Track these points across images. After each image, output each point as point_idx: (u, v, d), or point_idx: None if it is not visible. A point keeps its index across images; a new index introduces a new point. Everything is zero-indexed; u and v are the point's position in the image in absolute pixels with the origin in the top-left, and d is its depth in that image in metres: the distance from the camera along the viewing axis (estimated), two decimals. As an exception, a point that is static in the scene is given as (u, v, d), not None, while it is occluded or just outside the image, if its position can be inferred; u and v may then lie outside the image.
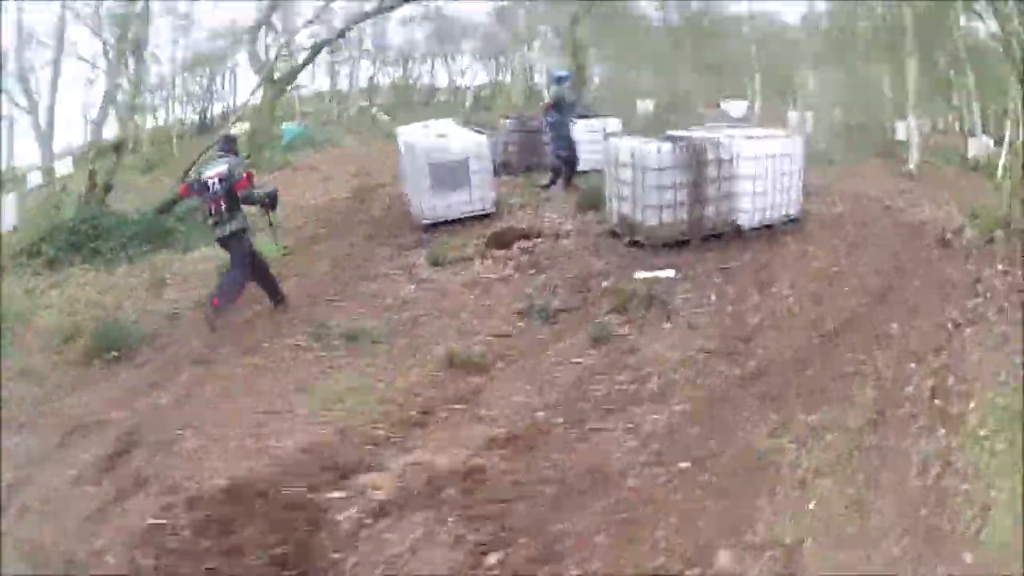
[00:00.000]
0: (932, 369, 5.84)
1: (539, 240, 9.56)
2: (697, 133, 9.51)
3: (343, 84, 30.54)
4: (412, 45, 31.24)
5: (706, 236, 9.06)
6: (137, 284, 10.10)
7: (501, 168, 14.04)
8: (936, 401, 5.37)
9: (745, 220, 9.29)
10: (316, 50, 16.94)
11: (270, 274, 8.07)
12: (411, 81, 31.96)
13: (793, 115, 18.63)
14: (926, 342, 6.36)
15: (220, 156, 7.77)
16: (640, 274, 8.07)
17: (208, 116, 29.01)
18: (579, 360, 6.31)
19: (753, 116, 20.61)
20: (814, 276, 8.06)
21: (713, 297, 7.53)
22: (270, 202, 7.80)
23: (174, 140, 23.58)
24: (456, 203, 10.70)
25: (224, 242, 7.62)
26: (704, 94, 23.18)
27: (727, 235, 9.21)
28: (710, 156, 8.91)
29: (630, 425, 5.15)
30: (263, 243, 9.48)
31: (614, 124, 13.85)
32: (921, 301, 7.29)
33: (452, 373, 6.28)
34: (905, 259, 8.53)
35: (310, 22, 16.76)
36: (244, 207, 7.63)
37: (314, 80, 30.17)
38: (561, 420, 5.28)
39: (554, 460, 4.82)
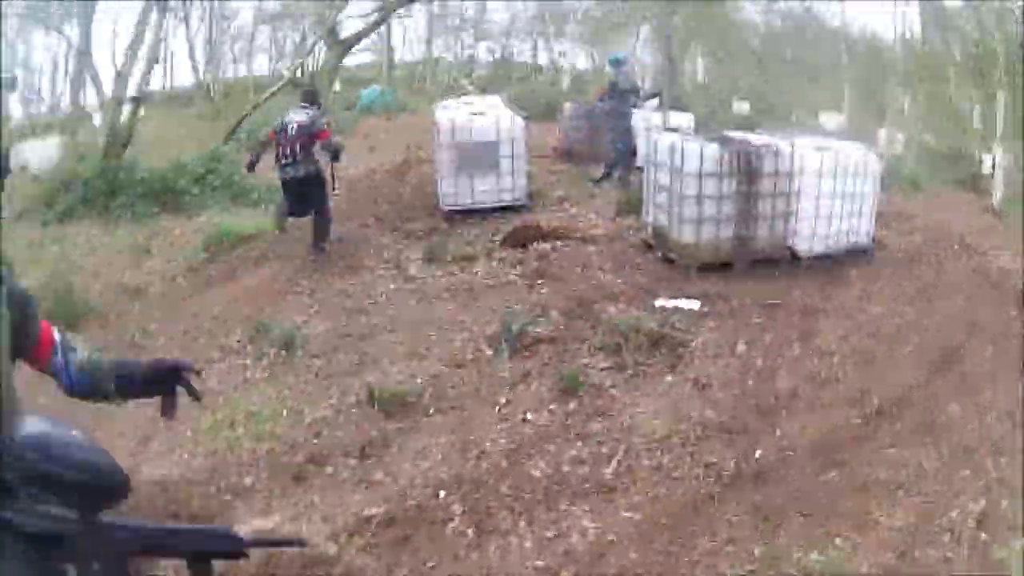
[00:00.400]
0: (987, 483, 4.23)
1: (560, 244, 8.10)
2: (758, 137, 7.77)
3: (442, 53, 29.80)
4: (514, 22, 30.08)
5: (754, 261, 7.39)
6: (126, 248, 9.36)
7: (563, 155, 12.72)
8: (982, 535, 3.72)
9: (803, 246, 7.57)
10: (387, 13, 15.85)
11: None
12: (507, 57, 30.76)
13: (883, 133, 17.10)
14: (986, 437, 4.79)
15: (302, 107, 8.15)
16: (660, 302, 6.52)
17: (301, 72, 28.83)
18: (532, 416, 4.88)
19: (844, 131, 18.78)
20: (871, 328, 6.41)
21: (741, 345, 5.90)
22: (336, 155, 8.27)
23: (251, 92, 23.15)
24: (483, 190, 9.36)
25: (294, 183, 7.99)
26: (802, 102, 21.49)
27: (780, 262, 7.52)
28: (767, 166, 7.21)
29: (548, 535, 3.71)
30: (261, 222, 9.50)
31: (682, 119, 12.13)
32: (989, 375, 5.67)
33: (370, 412, 4.99)
34: (979, 315, 6.84)
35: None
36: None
37: (404, 45, 29.43)
38: (462, 510, 3.89)
39: (421, 572, 3.46)
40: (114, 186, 10.92)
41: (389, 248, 8.51)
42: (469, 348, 5.89)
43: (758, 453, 4.49)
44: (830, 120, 20.41)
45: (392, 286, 7.40)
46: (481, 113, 9.51)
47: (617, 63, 10.96)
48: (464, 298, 7.04)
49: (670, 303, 6.44)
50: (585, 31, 27.89)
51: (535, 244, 8.07)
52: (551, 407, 4.99)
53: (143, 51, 12.56)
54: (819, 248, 7.72)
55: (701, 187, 7.01)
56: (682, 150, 7.06)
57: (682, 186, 7.07)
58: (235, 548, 1.38)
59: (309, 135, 7.82)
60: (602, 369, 5.41)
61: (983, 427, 4.95)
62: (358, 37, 16.24)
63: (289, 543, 2.13)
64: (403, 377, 5.50)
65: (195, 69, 25.70)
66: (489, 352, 5.78)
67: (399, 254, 8.34)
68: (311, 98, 8.39)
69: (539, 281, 7.28)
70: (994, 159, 15.01)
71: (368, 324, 6.46)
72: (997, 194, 14.07)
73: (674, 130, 9.81)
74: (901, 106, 19.16)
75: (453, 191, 9.36)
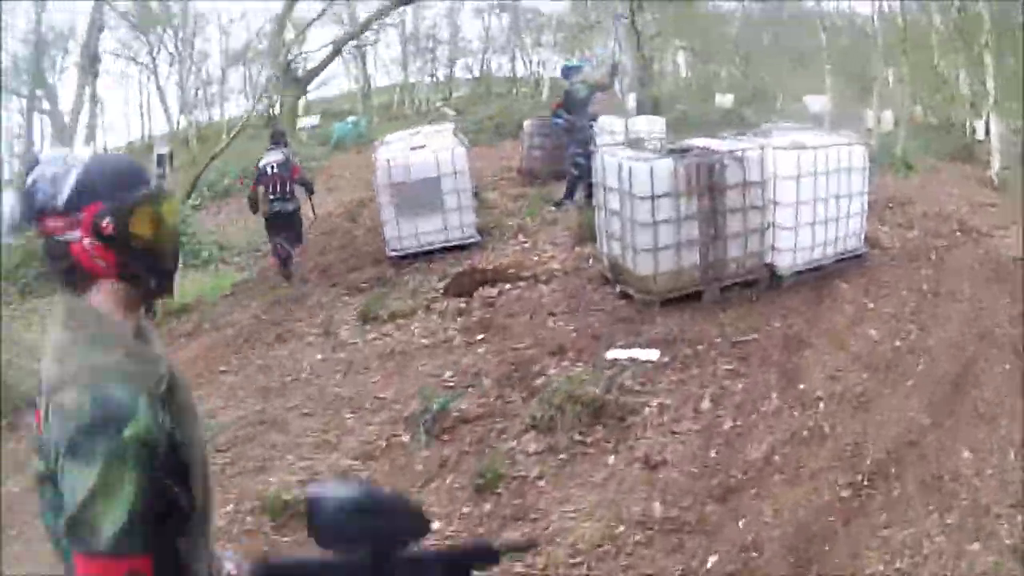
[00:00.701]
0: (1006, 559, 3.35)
1: (509, 286, 7.19)
2: (723, 143, 6.83)
3: (419, 76, 29.07)
4: (490, 37, 29.34)
5: (727, 286, 6.45)
6: None
7: (526, 176, 11.85)
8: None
9: (784, 262, 6.63)
10: (337, 48, 15.13)
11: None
12: (484, 73, 29.97)
13: (870, 114, 16.47)
14: (1006, 488, 3.91)
15: (273, 147, 8.76)
16: (612, 353, 5.58)
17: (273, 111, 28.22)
18: (440, 525, 3.93)
19: (829, 113, 17.93)
20: (866, 359, 5.45)
21: (706, 402, 4.94)
22: (310, 189, 9.14)
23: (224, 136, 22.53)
24: (428, 231, 8.51)
25: (282, 217, 8.59)
26: (787, 88, 20.66)
27: (758, 284, 6.57)
28: (731, 177, 6.26)
29: None
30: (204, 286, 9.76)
31: (653, 125, 11.21)
32: (1007, 401, 4.79)
33: (264, 522, 4.10)
34: (990, 320, 6.05)
35: (316, 18, 14.91)
36: None
37: (377, 71, 28.69)
38: None
39: None
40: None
41: (326, 307, 7.66)
42: (386, 433, 4.97)
43: (712, 560, 3.53)
44: (815, 102, 19.82)
45: (320, 356, 6.53)
46: (421, 147, 8.66)
47: (570, 71, 10.06)
48: (395, 364, 6.15)
49: (624, 354, 5.49)
50: (562, 38, 27.09)
51: (481, 290, 7.18)
52: (464, 509, 4.06)
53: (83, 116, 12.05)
54: (803, 262, 6.78)
55: (655, 210, 6.06)
56: (630, 170, 6.11)
57: (633, 211, 6.13)
58: (493, 559, 1.48)
59: (288, 171, 8.50)
60: (531, 454, 4.45)
61: (1001, 474, 4.05)
62: (313, 74, 15.51)
63: (529, 546, 2.11)
64: (307, 475, 4.61)
65: (168, 116, 25.15)
66: (406, 438, 4.87)
67: (334, 315, 7.48)
68: (279, 138, 9.04)
69: (480, 336, 6.39)
70: (987, 127, 14.52)
71: (284, 407, 5.58)
72: (994, 164, 13.34)
73: (638, 140, 8.89)
74: (886, 82, 18.22)
75: (397, 235, 8.52)
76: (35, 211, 1.31)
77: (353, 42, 16.73)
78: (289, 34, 16.21)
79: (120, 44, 25.01)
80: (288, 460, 4.87)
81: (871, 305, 6.44)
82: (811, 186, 6.69)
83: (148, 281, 1.39)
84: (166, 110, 25.53)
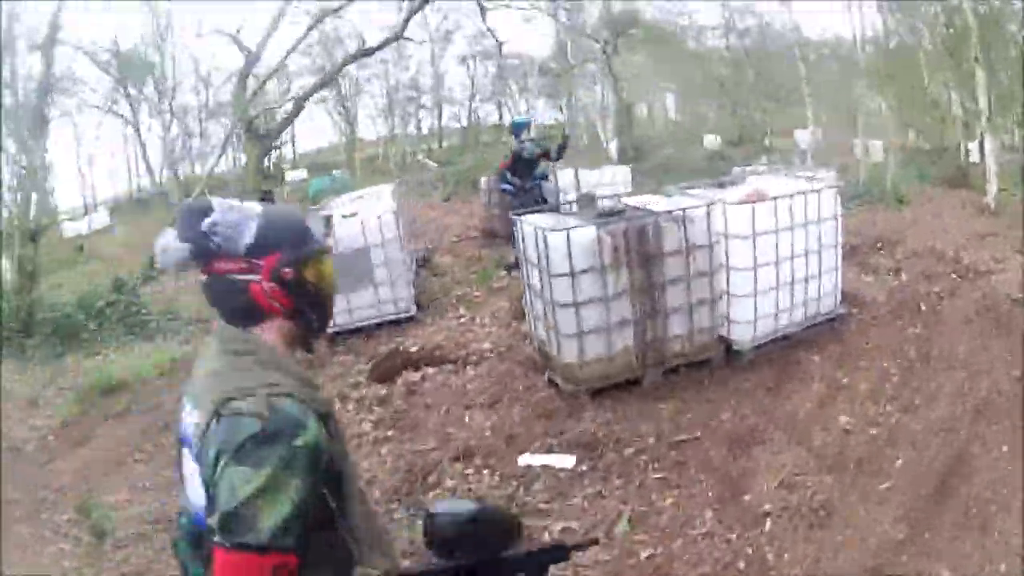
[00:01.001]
0: None
1: (434, 371, 6.41)
2: (666, 201, 6.08)
3: (402, 127, 28.69)
4: (476, 84, 29.03)
5: (672, 368, 5.64)
6: (24, 396, 8.11)
7: (486, 235, 11.17)
8: None
9: (742, 335, 5.86)
10: (299, 104, 14.63)
11: None
12: (471, 121, 29.58)
13: (858, 143, 16.14)
14: None
15: None
16: (525, 459, 4.76)
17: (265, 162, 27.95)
18: None
19: (815, 146, 17.37)
20: (833, 456, 4.60)
21: (622, 524, 4.11)
22: None
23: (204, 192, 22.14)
24: (361, 306, 7.77)
25: None
26: (775, 124, 20.22)
27: (711, 362, 5.76)
28: (669, 243, 5.47)
29: None
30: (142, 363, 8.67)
31: (616, 174, 10.51)
32: (1004, 496, 3.97)
33: None
34: (991, 386, 5.16)
35: (271, 75, 14.46)
36: None
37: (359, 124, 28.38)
38: None
39: None
40: (27, 324, 10.21)
41: None
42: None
43: None
44: (803, 137, 19.54)
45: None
46: (352, 215, 7.97)
47: (519, 128, 9.42)
48: None
49: (538, 460, 4.67)
50: (548, 82, 26.67)
51: (405, 374, 6.42)
52: None
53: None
54: (765, 333, 6.00)
55: (575, 289, 5.26)
56: (545, 241, 5.33)
57: (552, 291, 5.35)
58: (564, 557, 1.68)
59: None
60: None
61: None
62: (276, 132, 15.01)
63: (591, 543, 2.07)
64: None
65: (150, 172, 24.95)
66: None
67: None
68: (265, 196, 9.14)
69: (389, 432, 5.61)
70: (981, 147, 13.64)
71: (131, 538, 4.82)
72: (991, 189, 12.39)
73: (587, 196, 8.16)
74: (874, 110, 17.62)
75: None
76: (211, 253, 1.46)
77: (321, 94, 16.24)
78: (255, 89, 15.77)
79: (102, 97, 24.94)
80: (173, 565, 4.10)
81: (845, 381, 5.58)
82: (771, 244, 5.92)
83: (312, 321, 1.57)
84: (148, 164, 25.35)
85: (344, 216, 8.00)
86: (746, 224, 5.80)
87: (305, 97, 14.66)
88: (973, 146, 15.54)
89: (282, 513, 1.29)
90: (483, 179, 11.78)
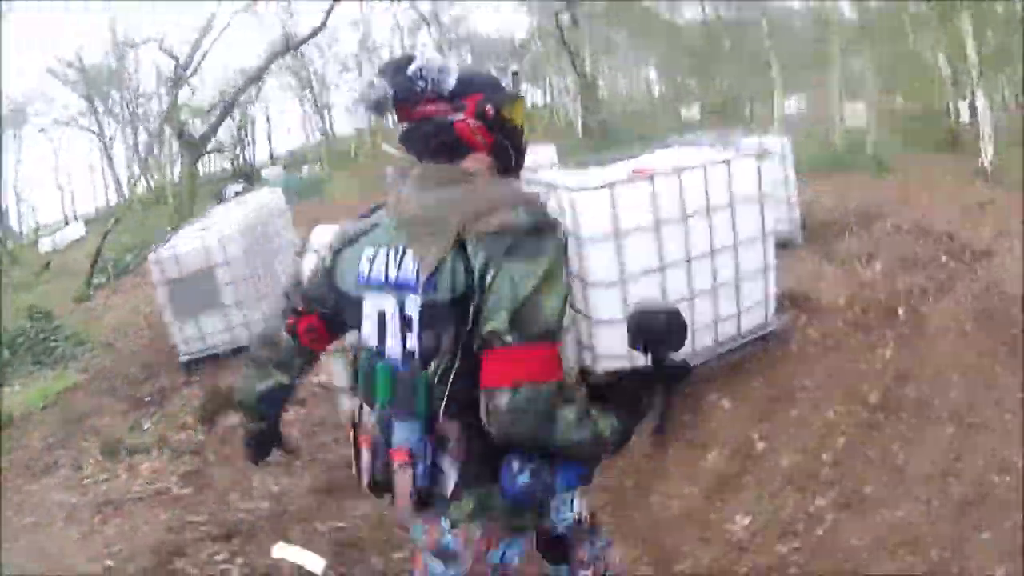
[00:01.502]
0: None
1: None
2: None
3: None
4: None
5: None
6: None
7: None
8: None
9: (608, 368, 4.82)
10: (226, 108, 14.06)
11: None
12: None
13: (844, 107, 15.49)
14: None
15: None
16: (279, 550, 4.01)
17: (238, 163, 27.54)
18: None
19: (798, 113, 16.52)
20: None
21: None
22: None
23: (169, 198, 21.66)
24: (210, 332, 7.15)
25: None
26: (760, 90, 19.45)
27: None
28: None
29: None
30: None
31: (534, 157, 9.63)
32: None
33: None
34: (988, 456, 3.47)
35: (191, 74, 13.88)
36: None
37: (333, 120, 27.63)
38: None
39: None
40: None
41: (101, 430, 6.32)
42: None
43: None
44: (787, 103, 19.06)
45: (57, 497, 5.15)
46: (201, 231, 7.32)
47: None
48: (90, 526, 4.68)
49: (292, 554, 3.93)
50: (524, 64, 25.80)
51: (225, 417, 5.79)
52: None
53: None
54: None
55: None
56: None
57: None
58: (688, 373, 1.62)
59: None
60: None
61: None
62: (206, 137, 14.45)
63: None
64: None
65: (117, 183, 24.75)
66: None
67: (83, 453, 6.10)
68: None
69: (186, 490, 4.98)
70: (972, 107, 13.07)
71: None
72: (987, 150, 11.46)
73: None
74: (857, 73, 16.87)
75: (182, 336, 7.18)
76: (417, 97, 1.51)
77: (298, 92, 15.56)
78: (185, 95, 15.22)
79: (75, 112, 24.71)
80: None
81: (760, 446, 3.92)
82: (650, 244, 4.44)
83: (509, 157, 1.61)
84: (115, 175, 25.11)
85: (196, 232, 7.39)
86: (606, 219, 4.33)
87: (233, 99, 14.08)
88: (963, 106, 14.90)
89: (558, 304, 1.38)
90: (388, 170, 11.02)
